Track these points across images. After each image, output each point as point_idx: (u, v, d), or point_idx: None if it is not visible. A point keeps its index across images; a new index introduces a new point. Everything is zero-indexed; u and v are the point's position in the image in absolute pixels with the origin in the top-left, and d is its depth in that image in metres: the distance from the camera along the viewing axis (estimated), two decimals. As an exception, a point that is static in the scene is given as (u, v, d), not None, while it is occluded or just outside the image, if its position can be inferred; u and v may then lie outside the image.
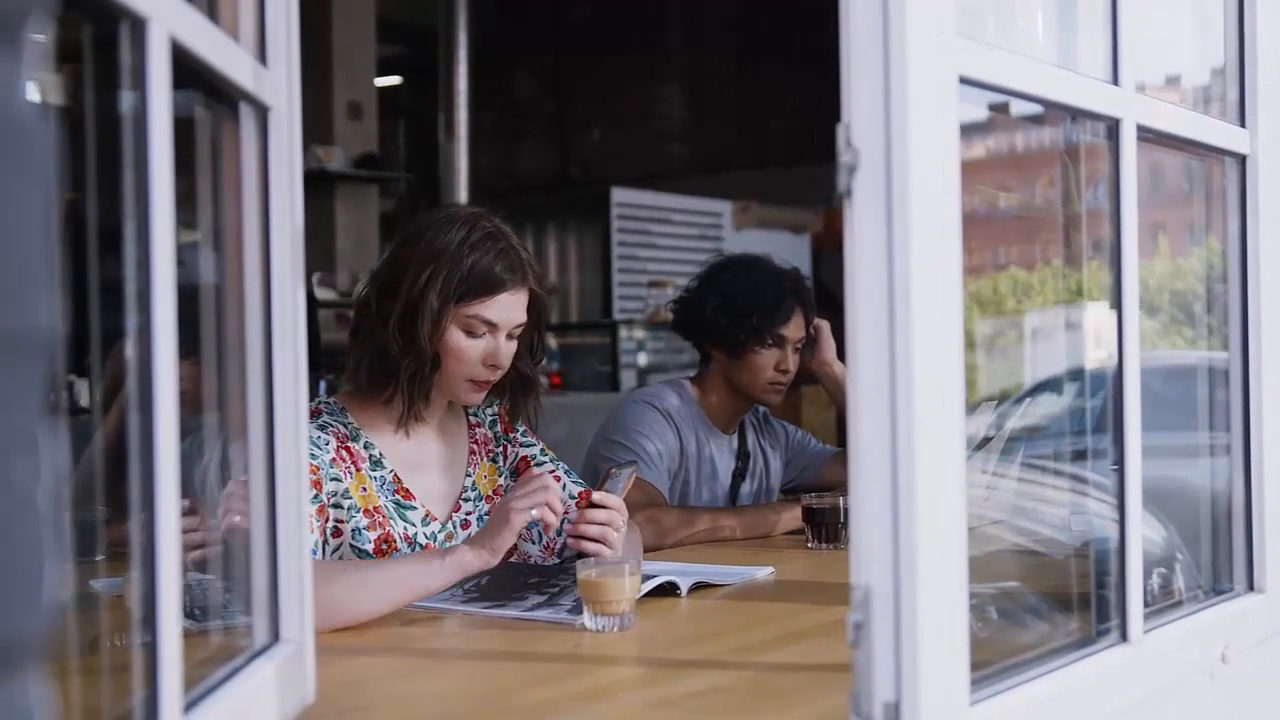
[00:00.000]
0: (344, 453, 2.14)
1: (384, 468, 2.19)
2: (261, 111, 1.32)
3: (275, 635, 1.34)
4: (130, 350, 1.00)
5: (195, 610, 1.34)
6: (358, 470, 2.15)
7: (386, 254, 2.23)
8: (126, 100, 0.99)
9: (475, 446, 2.34)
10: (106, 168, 1.01)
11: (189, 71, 1.09)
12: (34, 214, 0.51)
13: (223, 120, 1.30)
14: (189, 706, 1.07)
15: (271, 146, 1.33)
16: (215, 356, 1.33)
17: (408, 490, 2.20)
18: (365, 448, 2.18)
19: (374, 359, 2.16)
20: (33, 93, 0.54)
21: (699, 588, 2.12)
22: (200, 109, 1.27)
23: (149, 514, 0.99)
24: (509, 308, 2.17)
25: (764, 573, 2.29)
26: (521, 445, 2.39)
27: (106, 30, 0.98)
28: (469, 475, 2.31)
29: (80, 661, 1.13)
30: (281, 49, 1.35)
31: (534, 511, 1.95)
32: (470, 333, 2.16)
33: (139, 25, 0.97)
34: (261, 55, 1.32)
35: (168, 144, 1.00)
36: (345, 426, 2.17)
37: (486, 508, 2.30)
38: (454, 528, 2.25)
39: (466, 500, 2.29)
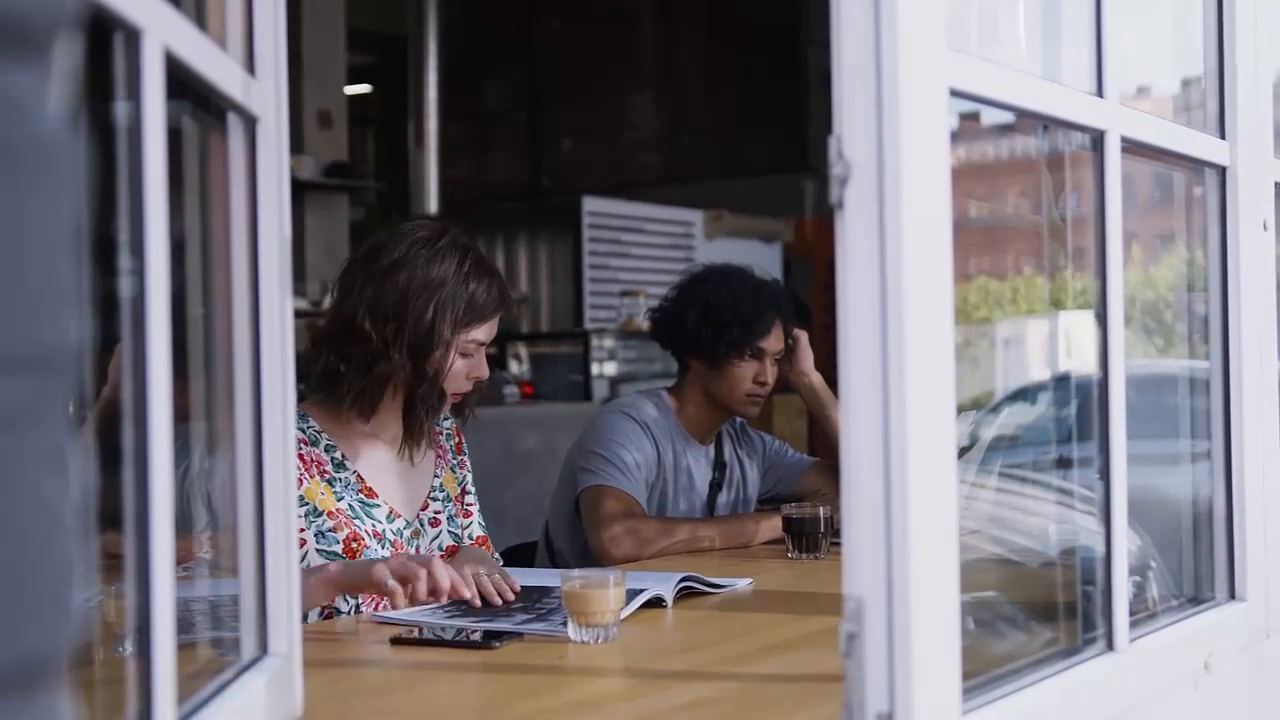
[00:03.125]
0: (297, 460, 2.15)
1: (347, 469, 2.25)
2: (250, 122, 1.31)
3: (263, 649, 1.33)
4: (123, 360, 0.99)
5: (180, 621, 1.33)
6: (312, 476, 2.20)
7: (363, 277, 2.24)
8: (120, 110, 0.98)
9: (441, 450, 2.42)
10: (97, 178, 1.00)
11: (177, 81, 1.08)
12: (64, 229, 0.51)
13: (210, 130, 1.29)
14: (181, 721, 1.06)
15: (260, 157, 1.32)
16: (201, 369, 1.32)
17: (371, 489, 2.26)
18: (327, 451, 2.24)
19: (377, 386, 2.22)
20: (60, 108, 0.53)
21: (685, 595, 2.13)
22: (187, 119, 1.27)
23: (142, 528, 0.98)
24: (495, 326, 2.30)
25: (744, 584, 2.30)
26: (467, 470, 2.48)
27: (98, 41, 0.98)
28: (437, 476, 2.39)
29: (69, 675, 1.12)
30: (269, 59, 1.34)
31: (390, 582, 1.89)
32: (465, 354, 2.26)
33: (134, 36, 0.96)
34: (250, 66, 1.31)
35: (161, 154, 0.99)
36: (303, 431, 2.20)
37: (454, 508, 2.40)
38: (422, 525, 2.33)
39: (435, 500, 2.37)
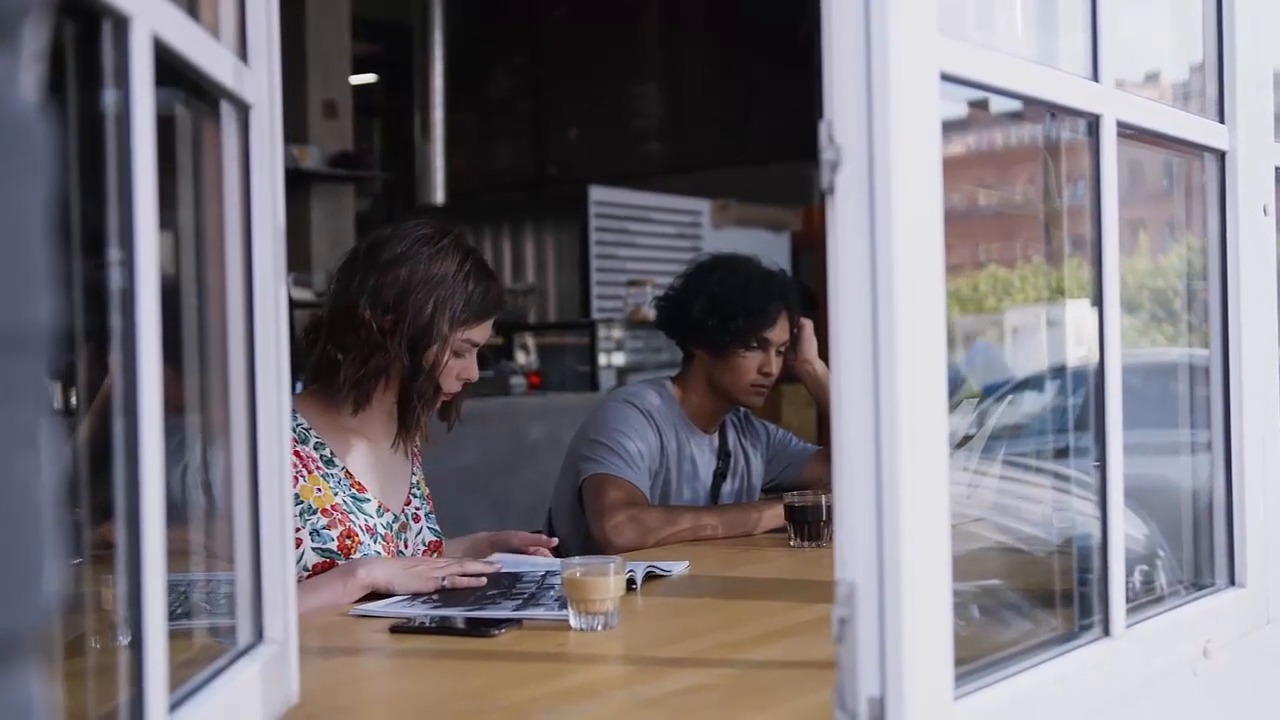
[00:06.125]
0: (293, 457, 2.16)
1: (336, 465, 2.27)
2: (243, 110, 1.31)
3: (259, 635, 1.34)
4: (113, 353, 0.99)
5: (176, 610, 1.33)
6: (310, 472, 2.22)
7: (364, 270, 2.25)
8: (108, 98, 0.99)
9: (417, 450, 2.45)
10: (86, 167, 1.00)
11: (169, 69, 1.08)
12: (34, 210, 0.51)
13: (203, 119, 1.29)
14: (174, 706, 1.06)
15: (253, 145, 1.32)
16: (195, 358, 1.32)
17: (360, 484, 2.28)
18: (315, 448, 2.26)
19: (374, 377, 2.24)
20: (29, 90, 0.53)
21: (648, 579, 2.17)
22: (180, 107, 1.27)
23: (133, 517, 0.98)
24: (489, 329, 2.33)
25: (681, 567, 2.31)
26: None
27: (87, 28, 0.98)
28: (414, 474, 2.43)
29: (61, 663, 1.13)
30: (262, 47, 1.34)
31: (445, 582, 2.09)
32: (457, 354, 2.28)
33: (122, 23, 0.96)
34: (242, 53, 1.31)
35: (150, 142, 0.99)
36: (293, 430, 2.20)
37: (428, 506, 2.44)
38: (407, 519, 2.36)
39: (415, 496, 2.41)
